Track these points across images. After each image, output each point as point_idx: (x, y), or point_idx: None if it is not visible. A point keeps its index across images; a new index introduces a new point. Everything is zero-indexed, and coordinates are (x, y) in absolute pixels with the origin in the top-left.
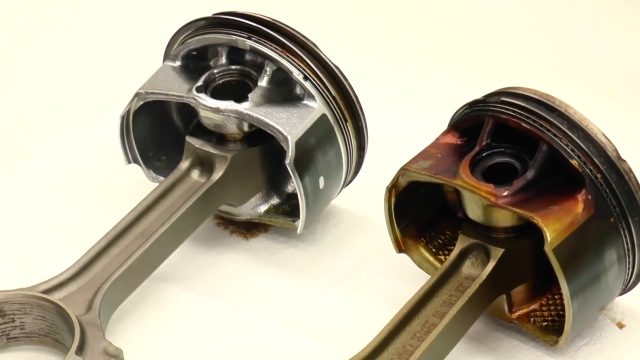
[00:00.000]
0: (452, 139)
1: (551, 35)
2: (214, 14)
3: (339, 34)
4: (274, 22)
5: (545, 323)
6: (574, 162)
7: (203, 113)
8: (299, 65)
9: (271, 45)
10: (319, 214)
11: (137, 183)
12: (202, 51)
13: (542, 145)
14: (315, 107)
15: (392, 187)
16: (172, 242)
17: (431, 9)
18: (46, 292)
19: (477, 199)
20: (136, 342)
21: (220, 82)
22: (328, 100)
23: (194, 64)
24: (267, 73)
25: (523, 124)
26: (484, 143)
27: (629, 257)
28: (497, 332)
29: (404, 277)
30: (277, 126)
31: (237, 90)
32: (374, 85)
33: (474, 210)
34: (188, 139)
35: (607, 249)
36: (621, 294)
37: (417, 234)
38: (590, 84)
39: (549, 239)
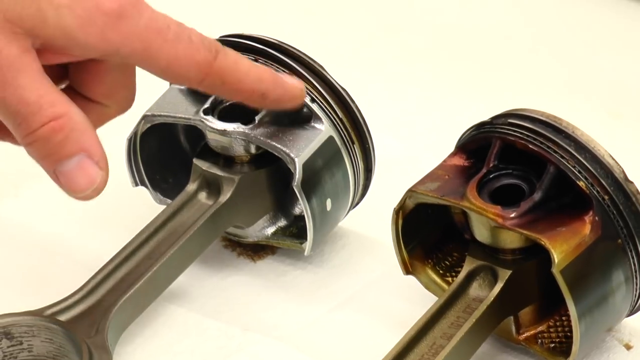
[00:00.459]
0: (460, 161)
1: (558, 57)
2: (221, 37)
3: (345, 56)
4: (281, 44)
5: (553, 344)
6: (581, 183)
7: (210, 135)
8: (306, 87)
9: (278, 68)
10: (327, 235)
11: (145, 205)
12: None
13: (549, 167)
14: (323, 129)
15: (400, 209)
16: (180, 264)
17: (438, 30)
18: (54, 314)
19: (484, 221)
20: None
21: (227, 104)
22: (335, 122)
23: None
24: None
25: (530, 146)
26: (491, 165)
27: (636, 278)
28: (504, 354)
29: (412, 299)
30: (284, 148)
31: (244, 112)
32: (381, 107)
33: (481, 231)
34: (195, 161)
35: (614, 270)
36: (629, 315)
37: (424, 256)
38: (598, 106)
39: (556, 261)
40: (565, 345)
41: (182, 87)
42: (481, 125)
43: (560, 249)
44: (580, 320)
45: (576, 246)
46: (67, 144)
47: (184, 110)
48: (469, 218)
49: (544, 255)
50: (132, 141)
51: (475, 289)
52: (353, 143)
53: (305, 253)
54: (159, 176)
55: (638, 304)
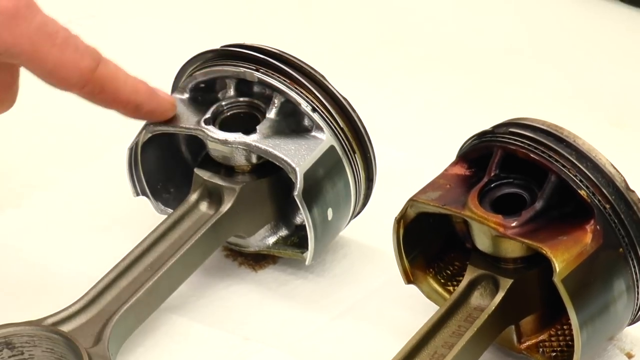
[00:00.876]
0: (461, 170)
1: (560, 66)
2: (221, 46)
3: (346, 66)
4: (282, 54)
5: (554, 353)
6: (582, 192)
7: (211, 145)
8: (307, 97)
9: (279, 77)
10: (328, 245)
11: (146, 215)
12: (210, 83)
13: (550, 176)
14: (324, 139)
15: (401, 218)
16: (181, 273)
17: (439, 40)
18: (55, 324)
19: (485, 230)
20: None
21: (228, 114)
22: (336, 132)
23: (202, 96)
24: (275, 105)
25: (532, 155)
26: (492, 174)
27: (637, 287)
28: None
29: (413, 308)
30: (285, 158)
31: (245, 122)
32: (382, 116)
33: (482, 240)
34: (196, 171)
35: (615, 279)
36: (630, 324)
37: (425, 265)
38: (599, 115)
39: (557, 270)
40: (566, 354)
41: (184, 97)
42: (482, 134)
43: (562, 258)
44: (581, 329)
45: (577, 255)
46: None
47: (185, 120)
48: (470, 227)
49: (546, 264)
50: (133, 151)
51: (477, 298)
52: (354, 152)
53: (307, 262)
54: (160, 186)
55: (639, 313)
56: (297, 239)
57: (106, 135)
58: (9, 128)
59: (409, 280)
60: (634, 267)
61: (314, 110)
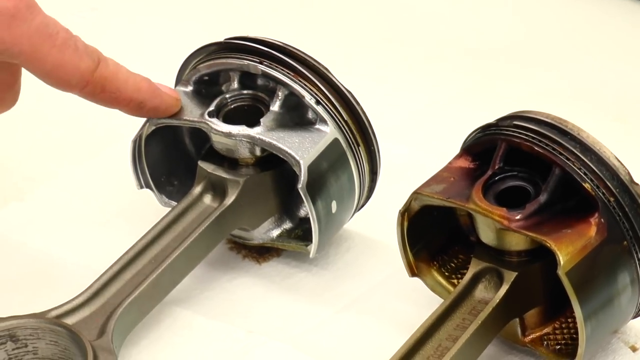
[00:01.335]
0: (465, 163)
1: (562, 62)
2: (225, 39)
3: (351, 59)
4: (286, 46)
5: (559, 346)
6: (586, 185)
7: (215, 138)
8: (311, 89)
9: (283, 70)
10: (332, 238)
11: (150, 208)
12: (214, 76)
13: (554, 169)
14: (328, 132)
15: (405, 211)
16: (185, 266)
17: (444, 36)
18: (59, 317)
19: (489, 223)
20: None
21: (232, 106)
22: (340, 125)
23: (205, 88)
24: (279, 97)
25: (536, 148)
26: (496, 167)
27: None
28: (510, 356)
29: (417, 301)
30: (289, 150)
31: (249, 114)
32: (386, 109)
33: (486, 233)
34: (200, 163)
35: (620, 272)
36: (634, 317)
37: (429, 258)
38: (602, 109)
39: (562, 263)
40: (570, 347)
41: (187, 90)
42: (486, 128)
43: (566, 251)
44: (586, 322)
45: (582, 248)
46: None
47: (189, 113)
48: (475, 220)
49: (550, 258)
50: (137, 144)
51: (481, 291)
52: (358, 145)
53: (311, 255)
54: (164, 179)
55: None
56: (301, 232)
57: (109, 129)
58: (13, 122)
59: (413, 273)
60: (638, 260)
61: (317, 102)
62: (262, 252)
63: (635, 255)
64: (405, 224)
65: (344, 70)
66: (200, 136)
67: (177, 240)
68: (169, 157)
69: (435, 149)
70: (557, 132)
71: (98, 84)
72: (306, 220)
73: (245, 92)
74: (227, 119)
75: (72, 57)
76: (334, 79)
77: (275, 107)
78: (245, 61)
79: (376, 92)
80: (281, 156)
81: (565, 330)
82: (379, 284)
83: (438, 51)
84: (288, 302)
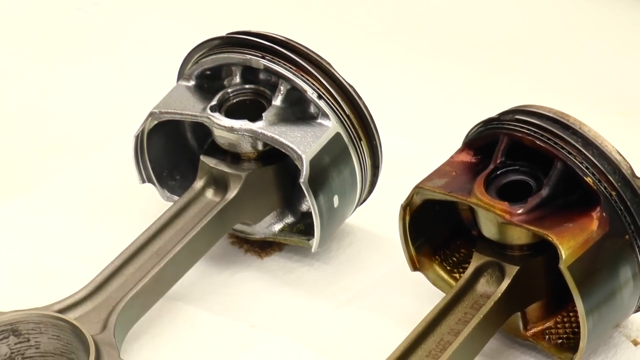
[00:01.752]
0: (467, 157)
1: (565, 56)
2: (227, 34)
3: (353, 53)
4: (288, 41)
5: (560, 340)
6: (588, 179)
7: (217, 132)
8: (313, 84)
9: (285, 64)
10: (334, 232)
11: (152, 202)
12: (216, 70)
13: (556, 163)
14: (330, 126)
15: (407, 205)
16: (187, 261)
17: (446, 30)
18: (61, 311)
19: (491, 217)
20: None
21: (234, 101)
22: (342, 119)
23: (208, 83)
24: (281, 92)
25: (538, 142)
26: (498, 161)
27: None
28: (512, 350)
29: (419, 295)
30: (291, 145)
31: (251, 109)
32: (388, 103)
33: (488, 228)
34: (202, 158)
35: (622, 266)
36: (636, 311)
37: (431, 252)
38: (605, 103)
39: (563, 257)
40: (572, 341)
41: (189, 84)
42: (488, 122)
43: (568, 245)
44: (587, 317)
45: (584, 242)
46: None
47: (191, 108)
48: (477, 214)
49: (552, 252)
50: (139, 138)
51: (483, 285)
52: (360, 140)
53: (313, 250)
54: (166, 173)
55: None
56: (303, 226)
57: (112, 124)
58: (17, 118)
59: (414, 267)
60: None
61: (319, 97)
62: (264, 247)
63: (636, 250)
64: (407, 218)
65: (346, 64)
66: (203, 131)
67: (179, 234)
68: (171, 151)
69: (437, 143)
70: (559, 126)
71: None
72: (308, 214)
73: (247, 86)
74: (230, 114)
75: None
76: (336, 73)
77: (278, 101)
78: (247, 56)
79: (378, 87)
80: (283, 150)
81: (567, 325)
82: (380, 278)
83: (440, 45)
84: (290, 297)
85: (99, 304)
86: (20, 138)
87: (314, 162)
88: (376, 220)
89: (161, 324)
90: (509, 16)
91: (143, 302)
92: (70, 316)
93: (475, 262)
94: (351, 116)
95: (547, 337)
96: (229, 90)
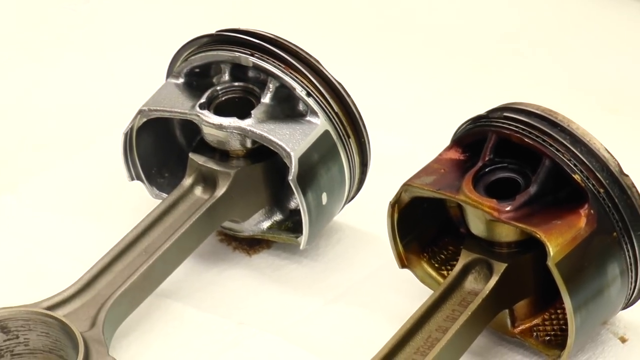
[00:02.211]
0: (455, 155)
1: (554, 52)
2: (216, 31)
3: (341, 51)
4: (277, 38)
5: (548, 337)
6: (576, 176)
7: (206, 130)
8: (301, 81)
9: (274, 62)
10: (322, 229)
11: (140, 200)
12: (205, 68)
13: (544, 160)
14: (318, 124)
15: (395, 203)
16: (176, 258)
17: (434, 26)
18: (50, 308)
19: (480, 214)
20: (140, 358)
21: (223, 99)
22: (331, 117)
23: (197, 81)
24: (270, 90)
25: (526, 139)
26: (486, 158)
27: (631, 272)
28: (499, 347)
29: (407, 292)
30: (280, 142)
31: (240, 107)
32: (377, 101)
33: (476, 225)
34: (191, 155)
35: (609, 264)
36: (624, 308)
37: (420, 250)
38: (593, 100)
39: (551, 254)
40: (560, 338)
41: (178, 82)
42: (477, 119)
43: (556, 242)
44: (575, 314)
45: (572, 239)
46: None
47: (180, 105)
48: (465, 212)
49: (540, 249)
50: (128, 136)
51: (471, 283)
52: (349, 137)
53: (301, 247)
54: (155, 171)
55: (633, 297)
56: (292, 224)
57: (101, 122)
58: (5, 114)
59: (403, 264)
60: (628, 251)
61: (308, 94)
62: (252, 244)
63: (624, 247)
64: (396, 215)
65: (336, 62)
66: (191, 128)
67: (168, 232)
68: (160, 149)
69: (426, 141)
70: (547, 123)
71: None
72: (296, 212)
73: (236, 84)
74: (218, 111)
75: None
76: (324, 71)
77: (266, 99)
78: (236, 53)
79: (367, 84)
80: (272, 148)
81: (554, 322)
82: (369, 276)
83: (429, 43)
84: (278, 294)
85: (87, 301)
86: (9, 135)
87: (302, 160)
88: (364, 217)
89: (150, 321)
90: (497, 13)
91: (132, 299)
92: (59, 313)
93: (463, 259)
94: (340, 114)
95: (534, 334)
96: (218, 87)
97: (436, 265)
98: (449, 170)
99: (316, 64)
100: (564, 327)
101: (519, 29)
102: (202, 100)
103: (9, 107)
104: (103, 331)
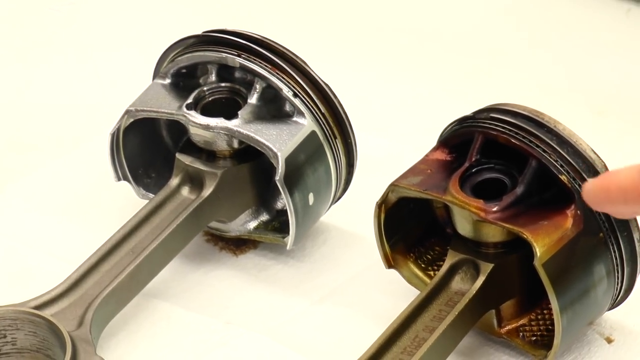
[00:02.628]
0: (442, 155)
1: (541, 54)
2: (203, 32)
3: (328, 52)
4: (264, 39)
5: (535, 338)
6: (563, 177)
7: (193, 130)
8: (288, 82)
9: (261, 63)
10: (309, 230)
11: (127, 200)
12: (192, 69)
13: (531, 161)
14: (305, 124)
15: (382, 203)
16: (163, 258)
17: (421, 28)
18: (38, 307)
19: (466, 215)
20: (127, 358)
21: (210, 99)
22: (317, 117)
23: (183, 81)
24: (257, 90)
25: (512, 140)
26: (473, 159)
27: (617, 272)
28: (486, 347)
29: (394, 292)
30: (267, 143)
31: (226, 107)
32: (363, 102)
33: (463, 225)
34: (178, 155)
35: (596, 264)
36: (610, 309)
37: (406, 250)
38: (580, 102)
39: (538, 254)
40: (546, 338)
41: (165, 82)
42: (463, 120)
43: (542, 243)
44: (562, 314)
45: (558, 240)
46: None
47: (167, 105)
48: (452, 212)
49: (526, 249)
50: (115, 136)
51: (458, 283)
52: (335, 138)
53: (287, 247)
54: (142, 171)
55: (619, 297)
56: (278, 224)
57: (87, 121)
58: None
59: (389, 265)
60: (614, 252)
61: (295, 95)
62: (239, 244)
63: (610, 247)
64: (382, 216)
65: (322, 63)
66: (178, 129)
67: (155, 232)
68: (147, 149)
69: (413, 142)
70: (533, 124)
71: None
72: (283, 212)
73: (223, 84)
74: (205, 112)
75: None
76: (311, 71)
77: (253, 99)
78: (223, 54)
79: (353, 85)
80: (259, 148)
81: (541, 322)
82: (355, 276)
83: (415, 44)
84: (265, 294)
85: (75, 301)
86: None
87: (289, 160)
88: (351, 218)
89: (137, 321)
90: (485, 16)
91: (119, 299)
92: (47, 312)
93: (450, 259)
94: (326, 114)
95: (521, 334)
96: (205, 88)
97: (422, 265)
98: (435, 171)
99: (303, 64)
100: (550, 327)
101: (507, 31)
102: (189, 100)
103: None
104: (90, 330)
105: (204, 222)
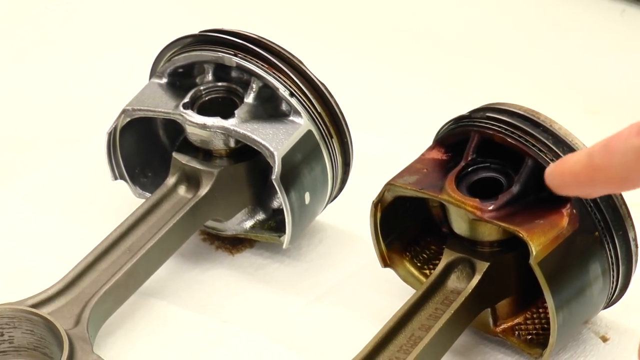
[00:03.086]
0: (438, 155)
1: (536, 53)
2: (200, 32)
3: (325, 51)
4: (260, 39)
5: (530, 336)
6: None
7: (190, 129)
8: (284, 81)
9: (257, 62)
10: (305, 229)
11: (124, 199)
12: (189, 68)
13: (527, 160)
14: (302, 124)
15: (378, 202)
16: (159, 257)
17: (416, 27)
18: (35, 306)
19: (462, 214)
20: (124, 356)
21: (206, 98)
22: (314, 117)
23: (180, 81)
24: (253, 89)
25: (508, 139)
26: (469, 158)
27: (613, 271)
28: (482, 346)
29: (390, 291)
30: (263, 142)
31: (223, 106)
32: (360, 101)
33: (459, 224)
34: (175, 155)
35: (591, 263)
36: (605, 307)
37: (402, 249)
38: (576, 101)
39: (534, 253)
40: (542, 337)
41: (162, 82)
42: (459, 119)
43: (538, 241)
44: (557, 312)
45: (554, 238)
46: None
47: (164, 105)
48: (448, 211)
49: (522, 248)
50: (111, 135)
51: (453, 281)
52: (331, 137)
53: (284, 246)
54: (138, 170)
55: (614, 296)
56: (274, 223)
57: (84, 121)
58: None
59: (385, 263)
60: (610, 251)
61: (291, 95)
62: (235, 243)
63: (606, 246)
64: (378, 215)
65: (319, 62)
66: (175, 128)
67: (152, 230)
68: (143, 148)
69: (409, 141)
70: (529, 123)
71: None
72: (279, 211)
73: (219, 84)
74: (202, 111)
75: None
76: (307, 71)
77: (250, 99)
78: (219, 53)
79: (350, 85)
80: (255, 147)
81: (536, 321)
82: (351, 275)
83: (411, 44)
84: (261, 293)
85: (72, 299)
86: None
87: (285, 159)
88: (347, 217)
89: (134, 320)
90: (480, 16)
91: (116, 297)
92: (44, 311)
93: (446, 258)
94: (323, 114)
95: (516, 333)
96: (202, 87)
97: (418, 264)
98: (431, 170)
99: (299, 64)
100: (545, 326)
101: (503, 31)
102: (186, 100)
103: None
104: (87, 329)
105: (200, 221)
